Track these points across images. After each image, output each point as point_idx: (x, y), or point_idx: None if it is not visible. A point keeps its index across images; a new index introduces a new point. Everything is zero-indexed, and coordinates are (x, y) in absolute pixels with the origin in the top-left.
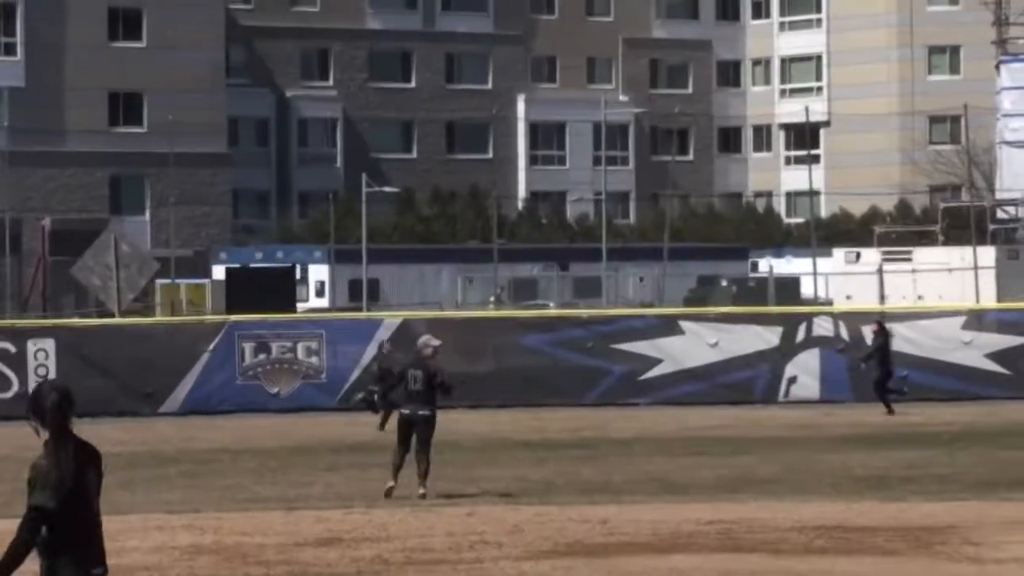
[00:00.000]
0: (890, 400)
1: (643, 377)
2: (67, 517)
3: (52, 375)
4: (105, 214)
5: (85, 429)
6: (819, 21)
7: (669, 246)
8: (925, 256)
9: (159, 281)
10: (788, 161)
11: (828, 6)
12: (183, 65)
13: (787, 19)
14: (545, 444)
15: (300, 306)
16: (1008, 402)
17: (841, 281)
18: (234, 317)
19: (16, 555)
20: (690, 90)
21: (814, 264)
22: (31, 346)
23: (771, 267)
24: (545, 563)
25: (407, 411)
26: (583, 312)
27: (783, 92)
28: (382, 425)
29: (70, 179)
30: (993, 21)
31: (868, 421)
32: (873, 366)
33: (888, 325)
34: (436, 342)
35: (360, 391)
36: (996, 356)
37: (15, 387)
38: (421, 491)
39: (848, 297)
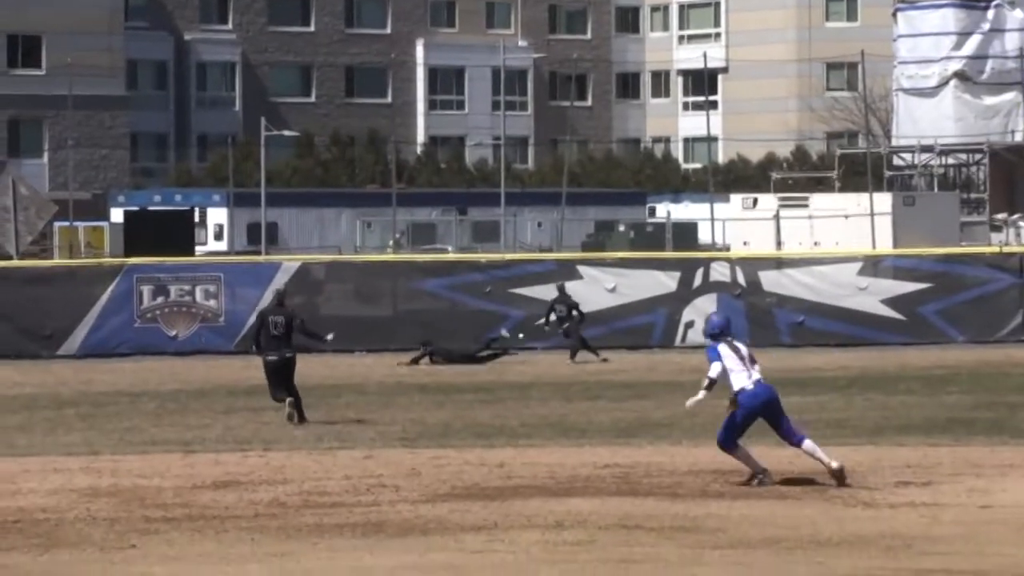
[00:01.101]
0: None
1: (541, 322)
2: None
3: None
4: (3, 156)
5: None
6: None
7: (567, 191)
8: (822, 202)
9: (57, 224)
10: (686, 107)
11: None
12: (82, 7)
13: None
14: (443, 388)
15: (199, 249)
16: (903, 348)
17: (738, 227)
18: (132, 260)
19: None
20: (589, 36)
21: (711, 210)
22: None
23: (669, 213)
24: (443, 506)
25: (274, 356)
26: (481, 256)
27: (681, 38)
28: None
29: None
30: None
31: (764, 365)
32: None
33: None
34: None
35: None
36: (891, 302)
37: None
38: (289, 410)
39: (745, 243)
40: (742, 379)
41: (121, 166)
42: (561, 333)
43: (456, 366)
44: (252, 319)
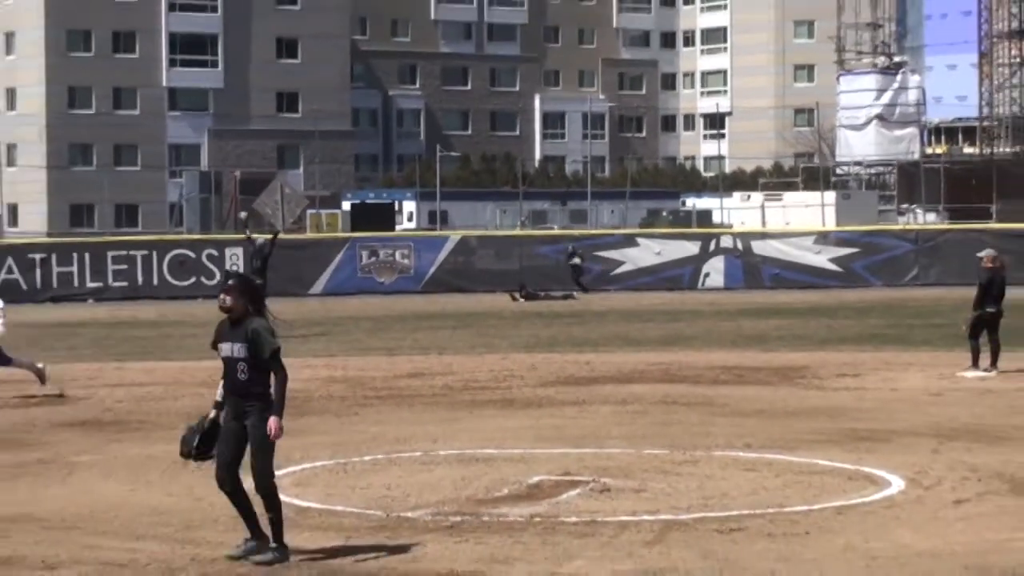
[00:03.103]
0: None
1: (613, 273)
2: (225, 372)
3: (241, 270)
4: (274, 168)
5: None
6: (726, 48)
7: (630, 190)
8: (791, 197)
9: (309, 211)
10: (705, 137)
11: (731, 43)
12: (323, 74)
13: (705, 47)
14: (551, 315)
15: (398, 228)
16: (841, 290)
17: (738, 213)
18: (355, 234)
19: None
20: (644, 92)
21: (721, 202)
22: (227, 252)
23: (694, 204)
24: (551, 389)
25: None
26: (575, 231)
27: (703, 93)
28: None
29: (252, 147)
30: (835, 49)
31: (754, 301)
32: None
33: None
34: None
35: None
36: (835, 260)
37: (217, 277)
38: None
39: (742, 223)
40: None
41: (348, 175)
42: (575, 278)
43: (554, 302)
44: (431, 270)
